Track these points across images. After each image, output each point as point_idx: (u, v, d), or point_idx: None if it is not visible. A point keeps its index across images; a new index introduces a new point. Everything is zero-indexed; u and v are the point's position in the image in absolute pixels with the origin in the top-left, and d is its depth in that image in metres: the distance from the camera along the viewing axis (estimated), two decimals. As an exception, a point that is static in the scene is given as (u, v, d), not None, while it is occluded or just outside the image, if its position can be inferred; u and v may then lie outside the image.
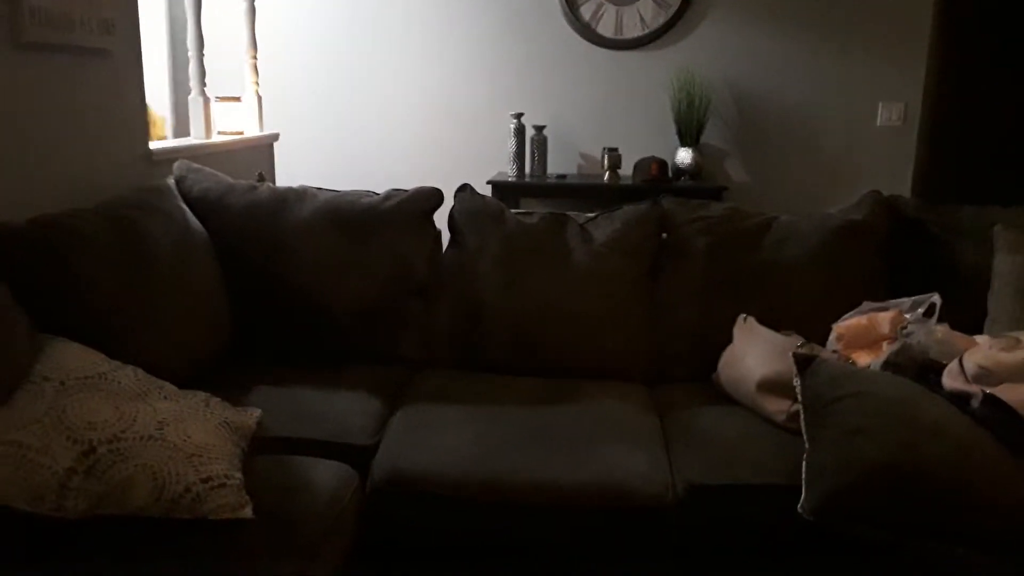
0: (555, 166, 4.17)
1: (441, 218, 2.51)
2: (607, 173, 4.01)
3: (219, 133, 3.20)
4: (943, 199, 2.45)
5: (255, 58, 3.46)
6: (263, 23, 3.62)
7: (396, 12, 4.19)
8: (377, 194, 2.45)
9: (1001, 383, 1.65)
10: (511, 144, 4.06)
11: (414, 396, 2.11)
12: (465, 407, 2.03)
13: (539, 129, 4.08)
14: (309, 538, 1.50)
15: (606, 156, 4.01)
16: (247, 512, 1.47)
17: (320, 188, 2.46)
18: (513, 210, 2.53)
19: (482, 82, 4.24)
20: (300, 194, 2.41)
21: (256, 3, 3.47)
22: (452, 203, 2.50)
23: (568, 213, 2.50)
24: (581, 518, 1.73)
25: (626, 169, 4.05)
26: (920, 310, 1.91)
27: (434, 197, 2.45)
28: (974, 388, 1.65)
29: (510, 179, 4.06)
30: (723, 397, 2.09)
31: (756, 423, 1.93)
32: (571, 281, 2.34)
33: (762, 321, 2.13)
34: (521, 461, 1.78)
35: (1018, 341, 1.71)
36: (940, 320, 1.90)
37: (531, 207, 4.04)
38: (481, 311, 2.35)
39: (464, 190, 2.51)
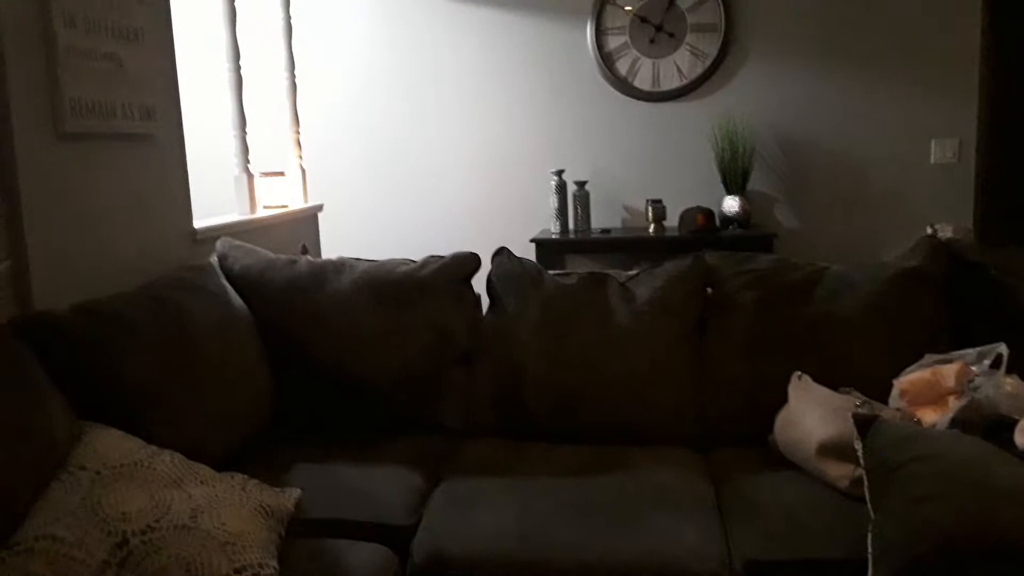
0: (599, 220, 4.14)
1: (480, 281, 2.48)
2: (652, 225, 3.96)
3: (264, 208, 3.26)
4: (1007, 239, 2.32)
5: (298, 133, 3.54)
6: (303, 93, 3.72)
7: (434, 77, 4.27)
8: (414, 262, 2.44)
9: (1083, 441, 1.51)
10: (553, 201, 4.05)
11: (456, 469, 2.06)
12: (508, 479, 1.96)
13: (580, 185, 4.06)
14: (345, 629, 1.45)
15: (650, 208, 3.97)
16: (281, 603, 1.43)
17: (358, 259, 2.46)
18: (554, 270, 2.50)
19: (522, 141, 4.26)
20: (338, 266, 2.42)
21: (297, 78, 3.57)
22: (490, 267, 2.48)
23: (608, 272, 2.45)
24: (632, 599, 1.63)
25: (671, 220, 4.00)
26: (986, 362, 1.79)
27: (471, 262, 2.43)
28: (1053, 448, 1.53)
29: (554, 236, 4.03)
30: (780, 461, 1.98)
31: (818, 490, 1.81)
32: (614, 342, 2.28)
33: (818, 379, 2.03)
34: (567, 539, 1.70)
35: (1099, 394, 1.57)
36: (1008, 371, 1.77)
37: (577, 263, 4.02)
38: (523, 376, 2.30)
39: (501, 254, 2.48)
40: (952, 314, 2.15)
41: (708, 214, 3.87)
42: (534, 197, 4.22)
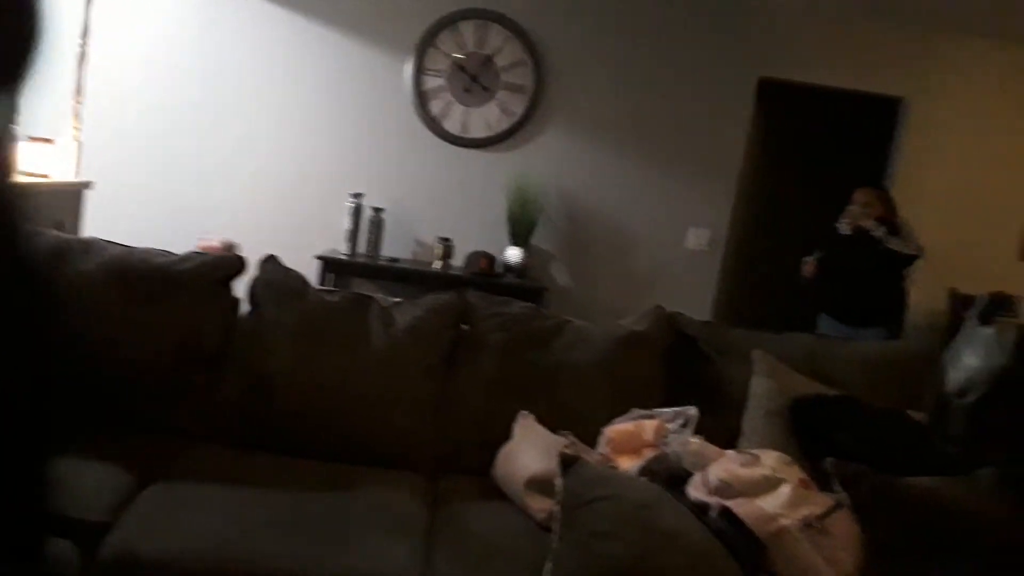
0: (390, 249, 4.20)
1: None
2: (439, 261, 4.09)
3: (23, 174, 3.01)
4: (738, 322, 2.64)
5: (79, 103, 3.32)
6: (99, 66, 3.50)
7: (240, 75, 4.18)
8: (173, 254, 2.36)
9: (737, 496, 1.75)
10: (347, 222, 4.07)
11: (176, 473, 1.98)
12: (229, 487, 1.92)
13: (377, 211, 4.12)
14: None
15: (440, 245, 4.10)
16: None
17: (110, 242, 2.35)
18: (321, 287, 2.51)
19: (324, 157, 4.26)
20: (86, 245, 2.29)
21: (92, 49, 3.36)
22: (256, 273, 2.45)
23: (374, 296, 2.50)
24: (324, 612, 1.66)
25: (458, 259, 4.14)
26: (680, 421, 2.03)
27: (234, 264, 2.39)
28: (713, 499, 1.75)
29: (342, 257, 4.04)
30: (498, 493, 2.10)
31: (520, 521, 1.95)
32: (367, 364, 2.31)
33: (544, 420, 2.19)
34: (268, 550, 1.70)
35: (757, 458, 1.83)
36: (698, 432, 2.01)
37: (362, 287, 4.04)
38: (271, 386, 2.27)
39: (269, 261, 2.47)
40: (668, 376, 2.40)
41: (491, 260, 4.07)
42: (327, 215, 4.21)
